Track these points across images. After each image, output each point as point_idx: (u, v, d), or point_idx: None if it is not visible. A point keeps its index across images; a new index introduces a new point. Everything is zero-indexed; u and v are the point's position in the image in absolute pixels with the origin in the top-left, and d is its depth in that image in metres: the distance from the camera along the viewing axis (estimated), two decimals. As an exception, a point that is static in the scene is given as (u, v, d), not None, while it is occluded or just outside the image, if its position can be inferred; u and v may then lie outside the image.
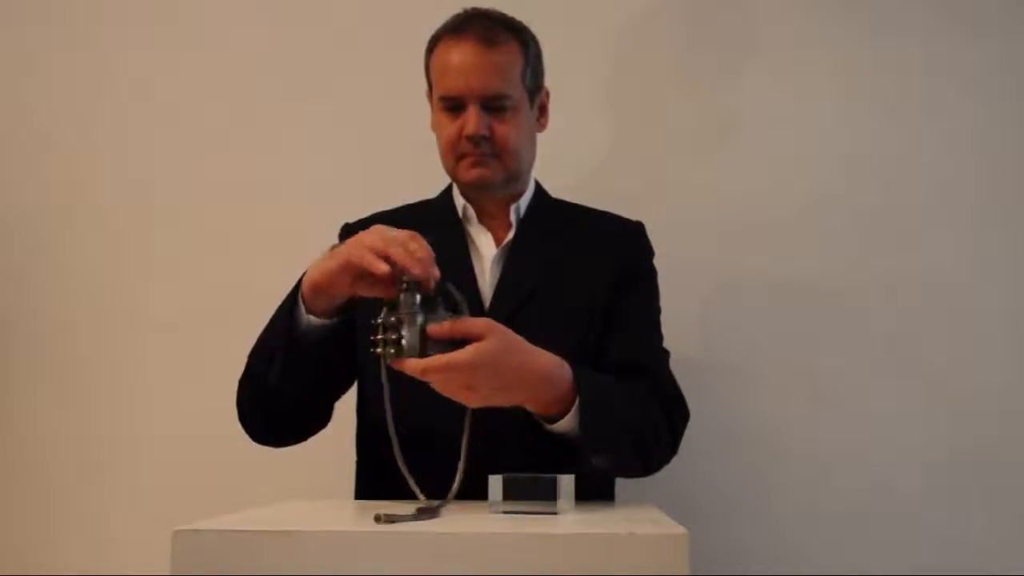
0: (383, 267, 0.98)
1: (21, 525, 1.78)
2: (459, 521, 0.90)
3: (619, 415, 1.14)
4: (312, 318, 1.11)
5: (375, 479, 1.30)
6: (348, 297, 1.09)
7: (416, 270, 0.97)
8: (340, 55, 1.82)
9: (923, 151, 1.77)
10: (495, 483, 0.96)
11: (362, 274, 1.01)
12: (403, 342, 0.96)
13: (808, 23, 1.79)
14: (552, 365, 1.08)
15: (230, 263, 1.79)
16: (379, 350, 0.97)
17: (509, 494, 0.95)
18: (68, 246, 1.83)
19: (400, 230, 1.03)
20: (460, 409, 1.04)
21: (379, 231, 1.02)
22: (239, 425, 1.25)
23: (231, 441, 1.70)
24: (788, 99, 1.78)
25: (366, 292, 1.04)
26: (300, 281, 1.11)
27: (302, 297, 1.10)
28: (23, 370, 1.82)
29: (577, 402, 1.09)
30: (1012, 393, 1.71)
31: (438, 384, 1.00)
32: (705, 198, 1.77)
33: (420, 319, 0.96)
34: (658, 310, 1.37)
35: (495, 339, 0.99)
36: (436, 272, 0.99)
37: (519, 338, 1.05)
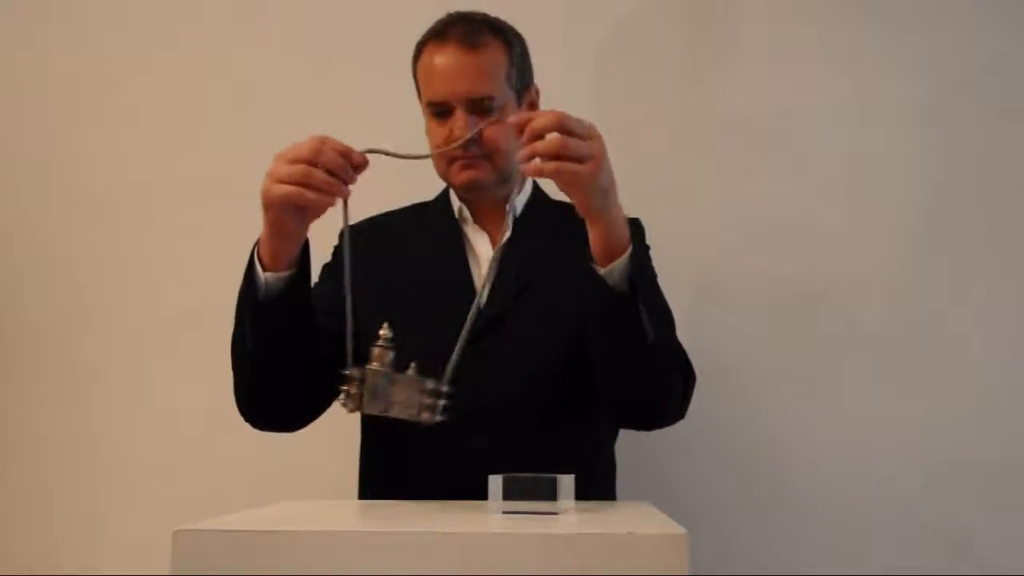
0: (312, 197, 1.04)
1: (20, 525, 1.78)
2: (459, 521, 0.90)
3: (662, 298, 1.20)
4: (267, 273, 1.13)
5: (380, 480, 1.31)
6: (303, 245, 1.14)
7: (339, 194, 1.05)
8: (341, 55, 1.82)
9: (923, 151, 1.76)
10: (495, 483, 0.96)
11: (299, 207, 1.07)
12: (365, 394, 0.98)
13: (807, 22, 1.79)
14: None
15: (230, 263, 1.77)
16: (341, 401, 1.01)
17: (509, 494, 0.95)
18: (67, 246, 1.83)
19: (303, 144, 1.08)
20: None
21: (281, 160, 1.08)
22: (239, 426, 1.25)
23: (231, 441, 1.71)
24: (788, 99, 1.78)
25: (312, 216, 1.10)
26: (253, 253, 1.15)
27: (258, 258, 1.13)
28: (23, 370, 1.82)
29: (631, 249, 1.11)
30: (1012, 392, 1.71)
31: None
32: (705, 198, 1.77)
33: (388, 377, 0.99)
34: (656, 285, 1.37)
35: None
36: (352, 179, 1.07)
37: None
